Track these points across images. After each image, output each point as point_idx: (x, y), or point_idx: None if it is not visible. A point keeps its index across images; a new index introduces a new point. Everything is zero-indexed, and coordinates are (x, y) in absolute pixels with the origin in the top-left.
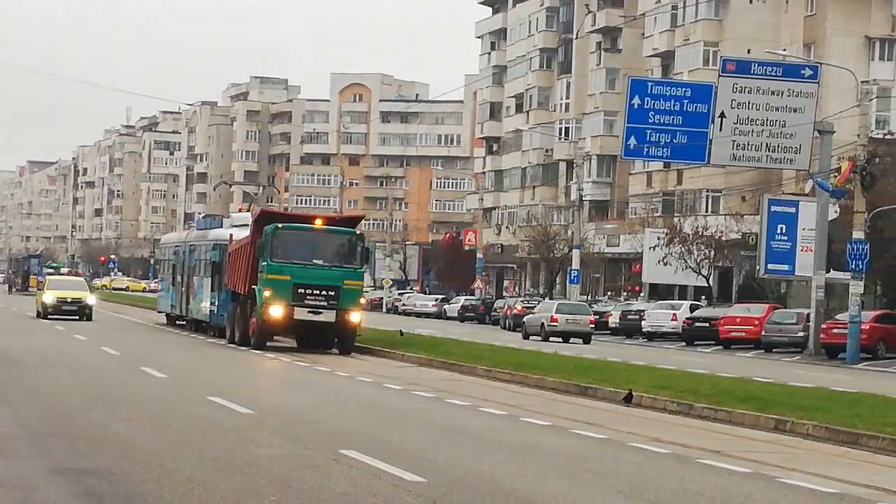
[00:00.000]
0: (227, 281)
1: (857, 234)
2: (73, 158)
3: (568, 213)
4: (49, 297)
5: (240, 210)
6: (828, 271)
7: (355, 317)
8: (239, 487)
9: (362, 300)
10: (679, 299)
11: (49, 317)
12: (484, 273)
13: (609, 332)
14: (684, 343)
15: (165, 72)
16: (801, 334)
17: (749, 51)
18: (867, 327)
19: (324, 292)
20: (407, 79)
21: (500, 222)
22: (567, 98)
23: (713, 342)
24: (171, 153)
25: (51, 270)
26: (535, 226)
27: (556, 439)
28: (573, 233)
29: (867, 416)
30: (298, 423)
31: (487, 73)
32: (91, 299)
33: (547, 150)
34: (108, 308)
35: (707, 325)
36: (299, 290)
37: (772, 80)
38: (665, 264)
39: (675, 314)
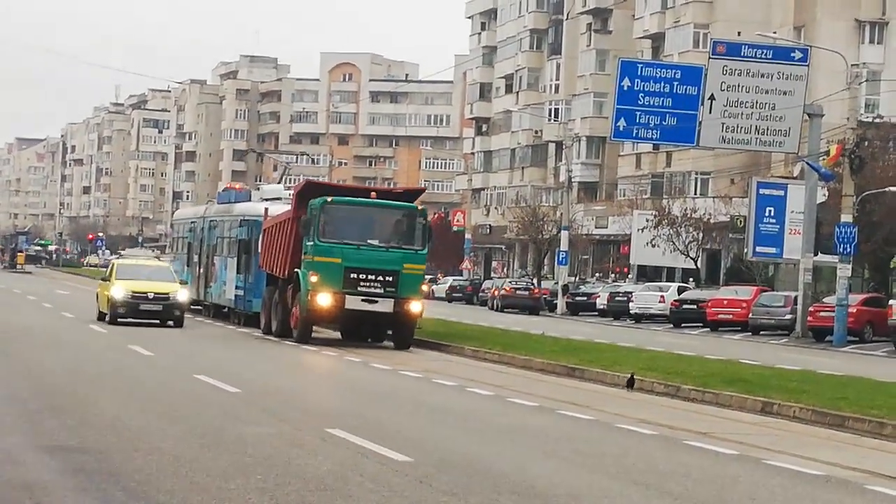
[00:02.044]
0: (262, 262)
1: (846, 218)
2: (62, 136)
3: (557, 194)
4: (119, 290)
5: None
6: (816, 254)
7: (416, 306)
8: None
9: (424, 287)
10: (667, 281)
11: (119, 320)
12: (472, 254)
13: (597, 313)
14: (672, 325)
15: (155, 50)
16: (788, 317)
17: (739, 33)
18: (854, 310)
19: (380, 278)
20: (397, 58)
21: (488, 203)
22: (557, 79)
23: (701, 324)
24: (160, 131)
25: (39, 247)
26: (523, 207)
27: (544, 420)
28: (562, 214)
29: (853, 398)
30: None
31: (477, 54)
32: (182, 294)
33: (536, 132)
34: None
35: (695, 307)
36: (351, 275)
37: (762, 62)
38: (653, 246)
39: (662, 296)
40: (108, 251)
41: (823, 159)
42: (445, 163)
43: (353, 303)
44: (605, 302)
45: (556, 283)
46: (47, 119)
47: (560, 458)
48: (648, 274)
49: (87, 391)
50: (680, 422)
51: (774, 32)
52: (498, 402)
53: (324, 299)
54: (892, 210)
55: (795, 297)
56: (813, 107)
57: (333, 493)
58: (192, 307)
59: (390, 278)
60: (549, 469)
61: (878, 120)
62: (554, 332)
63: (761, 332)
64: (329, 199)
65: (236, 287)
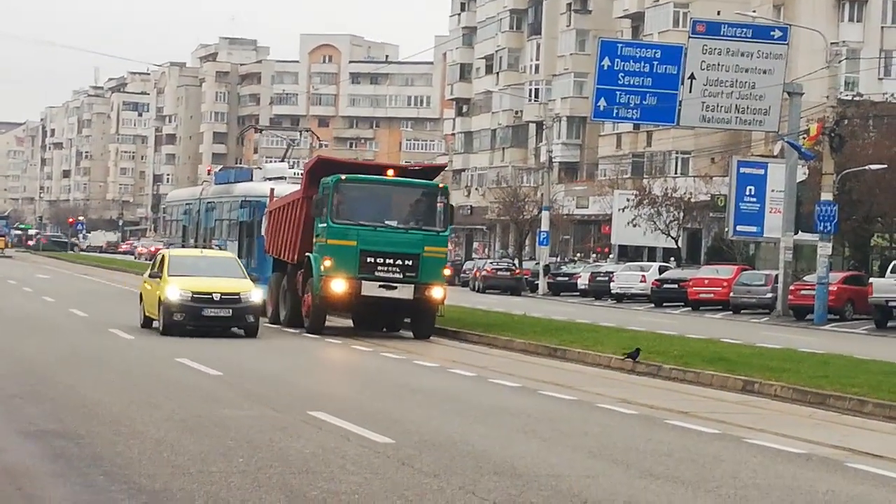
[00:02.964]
0: (268, 246)
1: (826, 196)
2: (41, 119)
3: (537, 174)
4: (175, 291)
5: (209, 172)
6: (796, 233)
7: (438, 292)
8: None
9: (447, 271)
10: (648, 261)
11: (174, 332)
12: (453, 235)
13: (578, 293)
14: (653, 305)
15: (134, 33)
16: (769, 296)
17: (719, 12)
18: (835, 289)
19: (399, 262)
20: (377, 40)
21: (469, 184)
22: (537, 59)
23: (682, 304)
24: (140, 114)
25: (27, 230)
26: (504, 187)
27: (526, 401)
28: (542, 194)
29: (834, 377)
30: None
31: (457, 35)
32: (256, 294)
33: (517, 112)
34: (93, 274)
35: (676, 286)
36: (368, 259)
37: (741, 41)
38: (634, 226)
39: (643, 276)
40: (88, 234)
41: (803, 138)
42: (426, 144)
43: (371, 289)
44: (587, 282)
45: (538, 263)
46: (26, 103)
47: (542, 439)
48: (629, 254)
49: (66, 376)
50: (661, 401)
51: (754, 11)
52: (480, 384)
53: (338, 285)
54: (871, 188)
55: (776, 276)
56: (793, 85)
57: (315, 476)
58: None
59: (410, 262)
60: (531, 449)
61: (857, 98)
62: (535, 313)
63: (742, 311)
64: (343, 176)
65: None
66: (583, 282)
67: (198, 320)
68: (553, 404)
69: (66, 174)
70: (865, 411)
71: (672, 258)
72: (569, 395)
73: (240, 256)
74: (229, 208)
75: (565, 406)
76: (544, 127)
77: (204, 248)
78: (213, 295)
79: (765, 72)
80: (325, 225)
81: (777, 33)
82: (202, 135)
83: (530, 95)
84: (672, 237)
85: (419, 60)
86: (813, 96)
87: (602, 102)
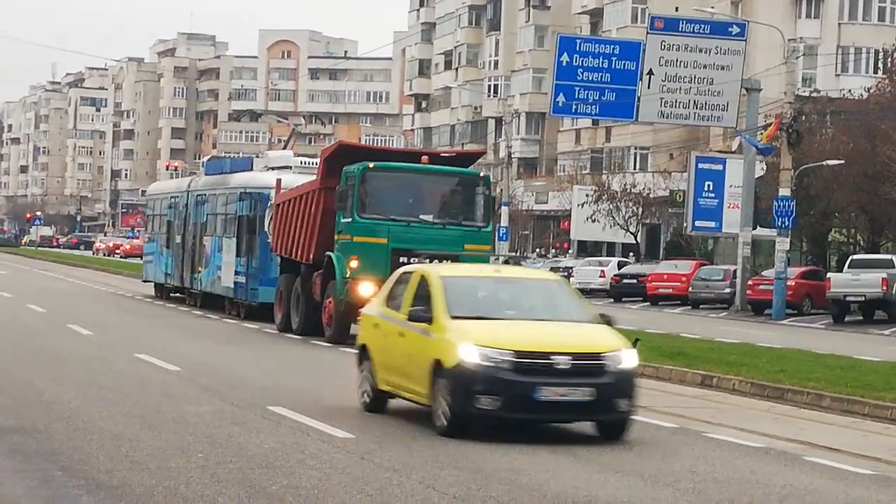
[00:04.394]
0: (275, 244)
1: (784, 192)
2: None
3: (497, 170)
4: (472, 351)
5: (167, 168)
6: (754, 228)
7: None
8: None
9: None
10: (607, 256)
11: (475, 424)
12: None
13: None
14: (612, 300)
15: (92, 28)
16: (727, 291)
17: (677, 8)
18: (793, 283)
19: (436, 262)
20: (336, 35)
21: None
22: (496, 55)
23: (641, 299)
24: (98, 110)
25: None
26: None
27: None
28: (502, 190)
29: (792, 371)
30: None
31: (416, 30)
32: (629, 356)
33: (476, 108)
34: (58, 272)
35: (635, 281)
36: (401, 259)
37: (699, 37)
38: (593, 221)
39: (603, 271)
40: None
41: (761, 133)
42: (385, 140)
43: None
44: None
45: (497, 258)
46: None
47: (501, 433)
48: (589, 249)
49: (24, 371)
50: None
51: (712, 7)
52: None
53: (366, 289)
54: (829, 184)
55: (734, 271)
56: (750, 81)
57: (275, 471)
58: (172, 294)
59: (449, 262)
60: (490, 444)
61: (815, 94)
62: None
63: (701, 306)
64: (371, 164)
65: (236, 273)
66: None
67: (527, 408)
68: None
69: (24, 169)
70: (823, 405)
71: (631, 253)
72: None
73: (238, 255)
74: (225, 201)
75: None
76: (503, 122)
77: (505, 261)
78: (555, 358)
79: (723, 68)
80: (349, 220)
81: (735, 29)
82: (160, 130)
83: (489, 91)
84: (631, 232)
85: (378, 56)
86: (771, 92)
87: (561, 98)
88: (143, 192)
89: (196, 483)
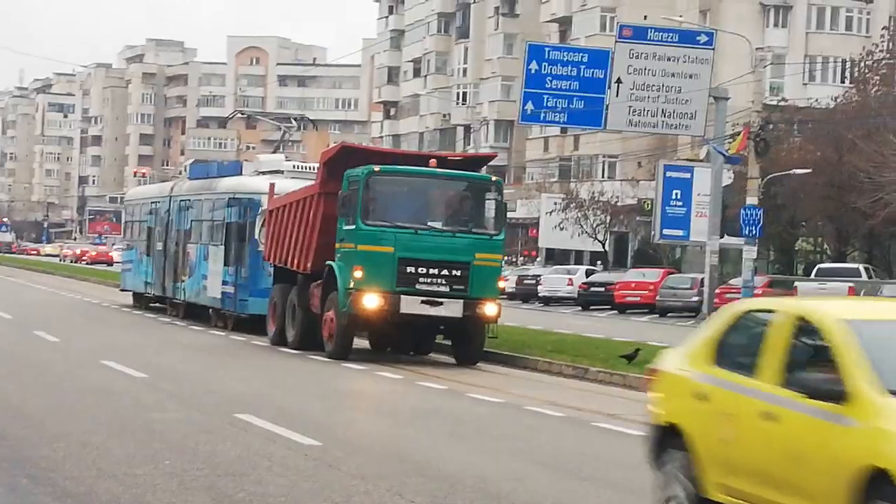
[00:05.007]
0: (267, 252)
1: (751, 200)
2: None
3: None
4: None
5: (135, 174)
6: (722, 237)
7: (492, 309)
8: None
9: (501, 283)
10: (575, 264)
11: None
12: None
13: (506, 296)
14: (580, 308)
15: (60, 33)
16: (695, 299)
17: (645, 17)
18: (760, 292)
19: (445, 272)
20: (305, 42)
21: None
22: (465, 63)
23: (609, 307)
24: (66, 116)
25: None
26: None
27: (453, 404)
28: None
29: None
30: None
31: (385, 38)
32: None
33: (444, 115)
34: (17, 276)
35: (603, 289)
36: (408, 269)
37: (668, 46)
38: (561, 229)
39: (570, 279)
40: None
41: (729, 143)
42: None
43: (411, 305)
44: (514, 285)
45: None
46: None
47: (469, 441)
48: (557, 257)
49: None
50: (588, 404)
51: (680, 16)
52: (407, 386)
53: (371, 301)
54: (796, 192)
55: (702, 280)
56: (718, 90)
57: (242, 478)
58: (152, 304)
59: (459, 273)
60: (459, 452)
61: (782, 103)
62: None
63: (668, 314)
64: (377, 168)
65: (223, 283)
66: (510, 285)
67: None
68: (481, 407)
69: None
70: None
71: (599, 261)
72: (496, 397)
73: (226, 264)
74: (211, 207)
75: (493, 409)
76: (472, 130)
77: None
78: None
79: (691, 76)
80: (352, 227)
81: (703, 38)
82: (128, 136)
83: (458, 99)
84: (599, 240)
85: (347, 63)
86: (738, 101)
87: (529, 106)
88: (111, 198)
89: (162, 490)
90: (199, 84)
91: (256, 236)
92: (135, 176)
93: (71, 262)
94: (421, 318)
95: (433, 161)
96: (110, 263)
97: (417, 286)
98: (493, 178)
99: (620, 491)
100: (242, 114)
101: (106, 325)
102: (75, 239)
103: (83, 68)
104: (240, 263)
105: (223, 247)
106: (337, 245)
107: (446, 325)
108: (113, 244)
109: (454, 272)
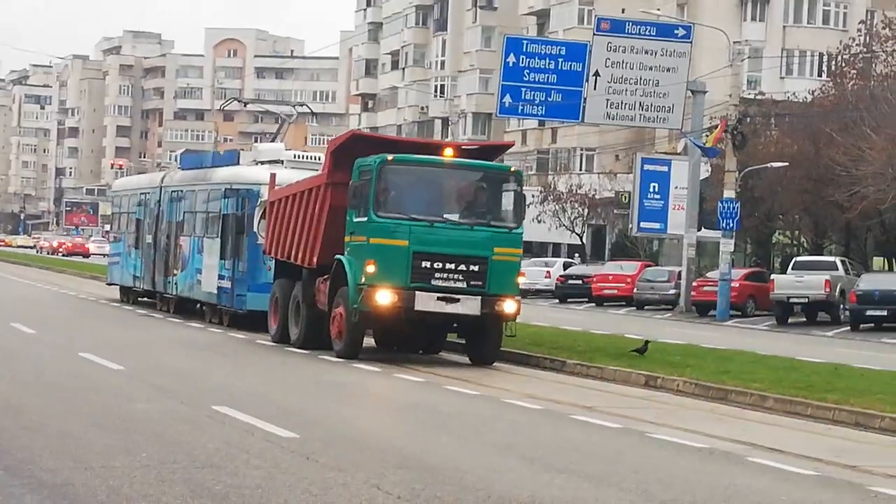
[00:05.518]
0: (268, 246)
1: (729, 194)
2: None
3: None
4: None
5: (112, 166)
6: (699, 230)
7: (511, 306)
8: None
9: (521, 278)
10: (553, 257)
11: None
12: None
13: None
14: (557, 300)
15: (37, 25)
16: (672, 292)
17: (623, 10)
18: (737, 285)
19: (463, 267)
20: (282, 34)
21: None
22: (443, 56)
23: (586, 299)
24: (42, 107)
25: None
26: None
27: (431, 396)
28: None
29: (736, 372)
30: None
31: (363, 30)
32: None
33: (422, 108)
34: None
35: (580, 282)
36: (423, 264)
37: (646, 39)
38: (539, 222)
39: (548, 271)
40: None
41: (706, 136)
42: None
43: (426, 302)
44: None
45: None
46: None
47: (448, 433)
48: (534, 250)
49: None
50: (566, 396)
51: (658, 10)
52: (385, 378)
53: (384, 297)
54: (773, 186)
55: (679, 272)
56: (696, 83)
57: (219, 470)
58: (140, 299)
59: (477, 268)
60: (438, 444)
61: (759, 97)
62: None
63: (646, 307)
64: (390, 157)
65: (220, 277)
66: None
67: None
68: (459, 399)
69: None
70: (766, 406)
71: (577, 254)
72: (474, 390)
73: (223, 258)
74: (206, 198)
75: (472, 401)
76: (450, 123)
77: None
78: None
79: (668, 70)
80: (364, 219)
81: (681, 32)
82: (105, 128)
83: (436, 91)
84: (577, 233)
85: (325, 55)
86: (716, 94)
87: (507, 99)
88: (88, 190)
89: (140, 482)
90: (177, 76)
91: (255, 229)
92: (112, 168)
93: (47, 253)
94: (436, 315)
95: (449, 150)
96: (87, 255)
97: (433, 282)
98: (513, 169)
99: (596, 482)
100: (239, 101)
101: (84, 317)
102: (51, 229)
103: (60, 60)
104: (237, 257)
105: (219, 240)
106: (346, 238)
107: (462, 322)
108: (89, 236)
109: (471, 267)
